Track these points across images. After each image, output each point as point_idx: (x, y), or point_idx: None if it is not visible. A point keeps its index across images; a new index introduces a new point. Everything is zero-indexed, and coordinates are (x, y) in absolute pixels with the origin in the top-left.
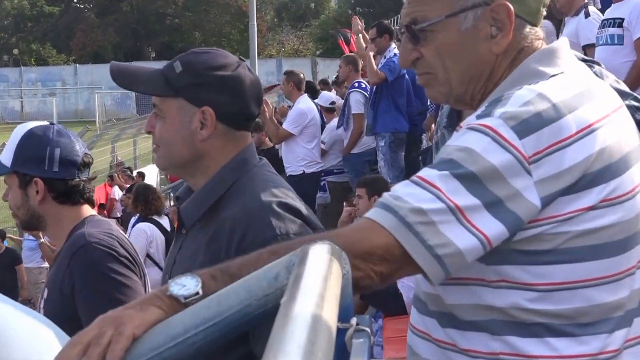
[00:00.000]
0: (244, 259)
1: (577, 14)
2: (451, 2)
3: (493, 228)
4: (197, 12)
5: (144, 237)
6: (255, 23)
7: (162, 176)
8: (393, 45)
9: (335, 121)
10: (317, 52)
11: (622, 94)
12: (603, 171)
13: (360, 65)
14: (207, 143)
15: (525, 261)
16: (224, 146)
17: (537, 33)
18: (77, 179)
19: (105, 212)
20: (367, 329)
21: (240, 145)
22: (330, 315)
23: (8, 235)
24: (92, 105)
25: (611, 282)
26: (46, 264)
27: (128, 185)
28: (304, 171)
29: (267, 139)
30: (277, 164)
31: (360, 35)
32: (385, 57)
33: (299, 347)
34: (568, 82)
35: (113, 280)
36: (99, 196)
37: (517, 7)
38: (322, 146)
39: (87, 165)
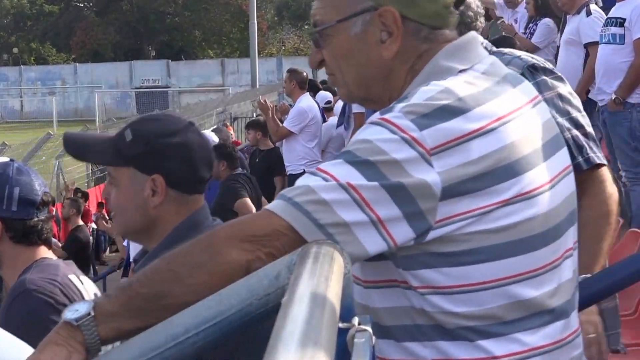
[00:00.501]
0: (143, 271)
1: (578, 12)
2: (343, 7)
3: (390, 211)
4: (197, 11)
5: None
6: (256, 22)
7: None
8: None
9: (332, 119)
10: None
11: (545, 72)
12: (513, 165)
13: None
14: (160, 209)
15: (444, 264)
16: (177, 211)
17: (442, 34)
18: (36, 219)
19: (104, 210)
20: (369, 329)
21: (193, 208)
22: (332, 315)
23: None
24: (92, 104)
25: (535, 276)
26: None
27: None
28: (304, 170)
29: (266, 139)
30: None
31: None
32: None
33: (300, 346)
34: (475, 77)
35: (48, 330)
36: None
37: (410, 11)
38: None
39: (46, 204)
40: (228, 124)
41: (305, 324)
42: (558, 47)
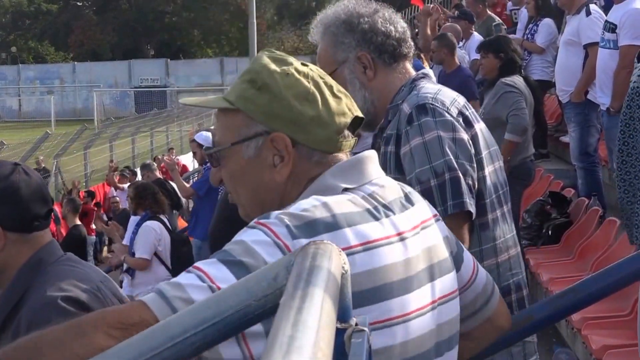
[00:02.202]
0: (10, 345)
1: (578, 12)
2: (237, 130)
3: (255, 326)
4: (196, 10)
5: (153, 235)
6: (255, 21)
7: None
8: None
9: None
10: (317, 50)
11: (434, 113)
12: (373, 292)
13: None
14: (3, 254)
15: None
16: (19, 252)
17: (335, 158)
18: None
19: (102, 210)
20: (366, 329)
21: (36, 246)
22: (329, 316)
23: None
24: (91, 103)
25: None
26: None
27: (125, 185)
28: None
29: None
30: None
31: None
32: None
33: (298, 347)
34: (358, 198)
35: None
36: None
37: (302, 136)
38: None
39: None
40: None
41: (303, 324)
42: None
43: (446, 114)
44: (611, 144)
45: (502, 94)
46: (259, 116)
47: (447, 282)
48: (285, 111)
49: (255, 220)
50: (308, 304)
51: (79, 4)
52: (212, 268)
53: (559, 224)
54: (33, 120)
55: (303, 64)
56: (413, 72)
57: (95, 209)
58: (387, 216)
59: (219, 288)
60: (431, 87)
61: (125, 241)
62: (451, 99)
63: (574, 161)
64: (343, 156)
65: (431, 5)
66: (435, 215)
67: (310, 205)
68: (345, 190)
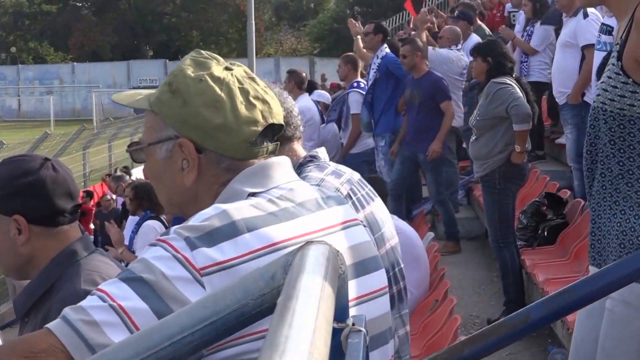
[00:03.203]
0: None
1: (575, 14)
2: (154, 132)
3: None
4: (195, 11)
5: (154, 234)
6: (254, 22)
7: None
8: (385, 45)
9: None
10: (315, 52)
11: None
12: None
13: (360, 65)
14: (28, 246)
15: None
16: (45, 245)
17: (246, 164)
18: None
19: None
20: (363, 329)
21: (64, 240)
22: (326, 315)
23: None
24: (90, 103)
25: None
26: None
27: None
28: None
29: None
30: None
31: (359, 37)
32: (377, 57)
33: (295, 347)
34: (264, 201)
35: None
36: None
37: (208, 143)
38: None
39: None
40: None
41: (300, 324)
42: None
43: None
44: None
45: (495, 92)
46: (169, 120)
47: (374, 279)
48: (192, 117)
49: (157, 237)
50: (305, 304)
51: (78, 4)
52: (113, 287)
53: (554, 225)
54: (32, 120)
55: (227, 68)
56: (302, 154)
57: (94, 208)
58: (296, 217)
59: (119, 306)
60: (315, 177)
61: (125, 241)
62: (334, 189)
63: (570, 162)
64: (255, 162)
65: (425, 9)
66: (350, 220)
67: (209, 214)
68: (252, 195)
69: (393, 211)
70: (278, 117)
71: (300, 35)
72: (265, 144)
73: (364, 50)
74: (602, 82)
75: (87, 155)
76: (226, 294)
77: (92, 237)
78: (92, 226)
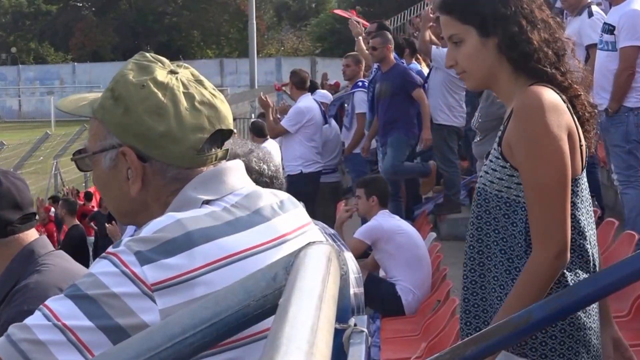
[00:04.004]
0: None
1: (580, 13)
2: (98, 140)
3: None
4: (196, 11)
5: None
6: (255, 22)
7: None
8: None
9: (334, 124)
10: (316, 51)
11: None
12: None
13: (364, 64)
14: None
15: None
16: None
17: (195, 173)
18: None
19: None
20: (365, 330)
21: (18, 245)
22: (328, 316)
23: None
24: None
25: None
26: None
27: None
28: (301, 171)
29: None
30: None
31: (361, 37)
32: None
33: (297, 348)
34: (219, 210)
35: None
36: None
37: (153, 152)
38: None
39: None
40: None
41: (302, 325)
42: None
43: None
44: (608, 145)
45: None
46: (113, 128)
47: None
48: (135, 125)
49: (107, 250)
50: (307, 305)
51: (78, 4)
52: (58, 304)
53: None
54: (33, 121)
55: (172, 71)
56: None
57: (94, 210)
58: (252, 226)
59: (64, 325)
60: None
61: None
62: None
63: None
64: (205, 169)
65: (428, 8)
66: (307, 224)
67: (163, 224)
68: (206, 202)
69: (394, 208)
70: (227, 122)
71: (302, 35)
72: (213, 150)
73: (366, 50)
74: (485, 165)
75: None
76: (228, 295)
77: (92, 238)
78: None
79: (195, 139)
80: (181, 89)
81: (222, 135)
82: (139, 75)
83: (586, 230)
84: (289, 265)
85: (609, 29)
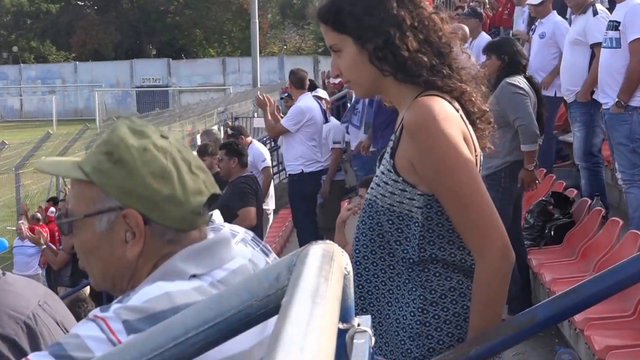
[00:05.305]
0: None
1: (584, 11)
2: (92, 203)
3: None
4: (198, 9)
5: None
6: (257, 21)
7: None
8: None
9: (333, 122)
10: (319, 50)
11: None
12: None
13: None
14: None
15: None
16: None
17: (188, 237)
18: None
19: None
20: (368, 330)
21: None
22: (332, 316)
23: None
24: (92, 103)
25: None
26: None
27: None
28: (302, 170)
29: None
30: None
31: None
32: None
33: (300, 348)
34: (206, 285)
35: None
36: None
37: (155, 214)
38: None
39: None
40: (229, 123)
41: (305, 325)
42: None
43: None
44: (613, 143)
45: (510, 94)
46: (113, 191)
47: None
48: (140, 188)
49: (94, 312)
50: (310, 305)
51: (80, 3)
52: None
53: (561, 224)
54: (34, 120)
55: (162, 136)
56: None
57: None
58: None
59: None
60: None
61: None
62: None
63: (577, 161)
64: (197, 234)
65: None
66: None
67: (152, 295)
68: (194, 276)
69: None
70: (217, 187)
71: (305, 34)
72: (207, 213)
73: None
74: (376, 176)
75: None
76: (231, 295)
77: None
78: None
79: (196, 202)
80: (177, 153)
81: (211, 200)
82: (137, 138)
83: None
84: (292, 265)
85: (614, 25)
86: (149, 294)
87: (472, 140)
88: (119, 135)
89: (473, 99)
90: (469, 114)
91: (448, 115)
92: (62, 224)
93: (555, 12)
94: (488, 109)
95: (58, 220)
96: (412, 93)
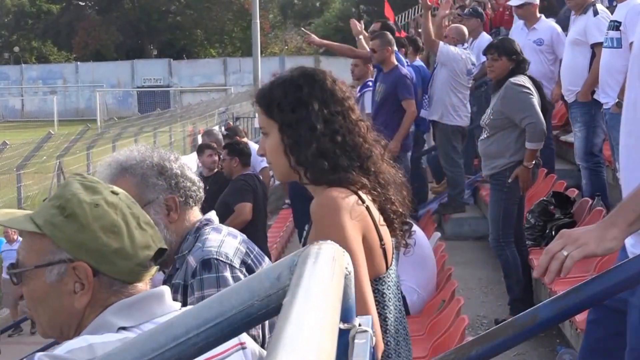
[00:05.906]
0: None
1: (585, 11)
2: (42, 254)
3: None
4: (199, 10)
5: None
6: (258, 21)
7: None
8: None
9: None
10: (320, 50)
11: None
12: None
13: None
14: None
15: None
16: None
17: (133, 288)
18: None
19: None
20: (369, 330)
21: None
22: (333, 316)
23: None
24: (94, 103)
25: None
26: None
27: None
28: None
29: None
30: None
31: (362, 36)
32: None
33: (301, 348)
34: (129, 338)
35: None
36: None
37: (104, 267)
38: None
39: None
40: (230, 123)
41: (306, 325)
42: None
43: (227, 269)
44: (614, 143)
45: (516, 94)
46: (64, 244)
47: None
48: (90, 242)
49: (30, 355)
50: (311, 305)
51: (81, 3)
52: None
53: (562, 224)
54: (36, 120)
55: (113, 192)
56: (196, 218)
57: None
58: None
59: None
60: (215, 238)
61: None
62: (234, 249)
63: (578, 161)
64: (142, 286)
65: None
66: (242, 343)
67: (75, 346)
68: (123, 328)
69: None
70: (163, 242)
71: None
72: (152, 267)
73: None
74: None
75: (91, 155)
76: (232, 295)
77: None
78: None
79: (144, 256)
80: (126, 209)
81: (157, 254)
82: (89, 194)
83: (395, 329)
84: (293, 265)
85: (615, 25)
86: (73, 345)
87: (379, 234)
88: (71, 191)
89: (392, 199)
90: (383, 210)
91: (348, 206)
92: (12, 274)
93: (543, 16)
94: (404, 213)
95: (9, 270)
96: (325, 185)
